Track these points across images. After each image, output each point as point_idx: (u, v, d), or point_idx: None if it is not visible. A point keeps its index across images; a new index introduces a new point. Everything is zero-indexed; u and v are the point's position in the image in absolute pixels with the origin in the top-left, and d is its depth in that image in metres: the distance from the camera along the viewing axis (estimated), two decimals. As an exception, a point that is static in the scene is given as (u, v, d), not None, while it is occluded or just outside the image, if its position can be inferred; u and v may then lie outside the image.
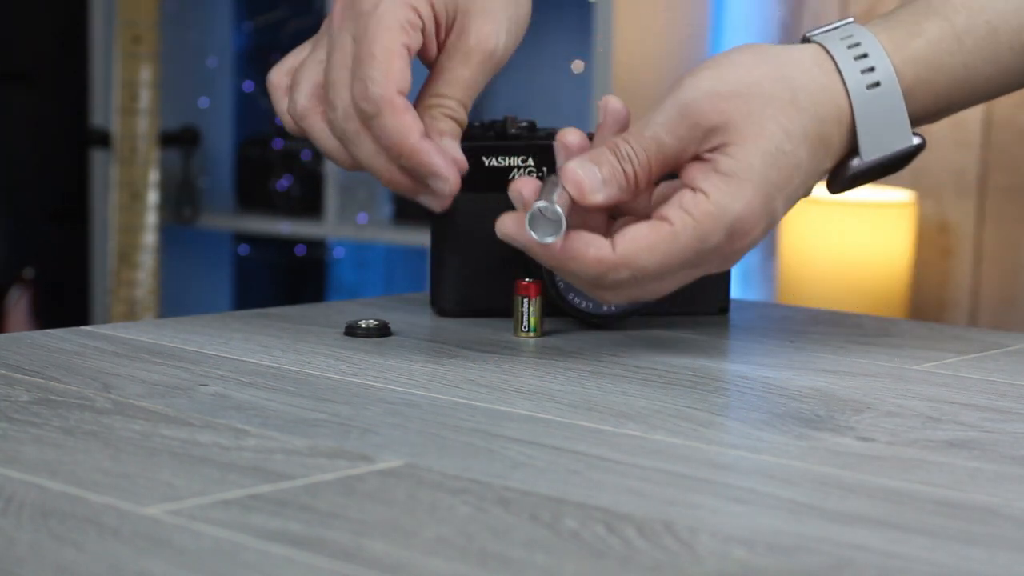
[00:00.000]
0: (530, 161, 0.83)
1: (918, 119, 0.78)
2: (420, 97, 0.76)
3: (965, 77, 0.78)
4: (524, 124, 0.84)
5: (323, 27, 0.77)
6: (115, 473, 0.52)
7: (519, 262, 0.83)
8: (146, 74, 2.55)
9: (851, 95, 0.75)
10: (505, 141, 0.83)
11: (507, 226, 0.72)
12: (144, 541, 0.45)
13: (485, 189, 0.82)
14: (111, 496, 0.49)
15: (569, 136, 0.75)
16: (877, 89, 0.75)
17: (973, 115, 2.32)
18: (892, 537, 0.47)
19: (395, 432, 0.59)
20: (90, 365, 0.69)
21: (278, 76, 0.79)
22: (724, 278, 0.86)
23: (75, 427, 0.57)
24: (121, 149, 2.58)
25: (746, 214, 0.71)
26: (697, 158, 0.72)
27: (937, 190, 2.43)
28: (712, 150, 0.72)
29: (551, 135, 0.84)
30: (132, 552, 0.44)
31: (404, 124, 0.72)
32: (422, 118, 0.74)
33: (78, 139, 2.89)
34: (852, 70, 0.75)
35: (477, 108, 0.83)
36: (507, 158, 0.83)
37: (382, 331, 0.78)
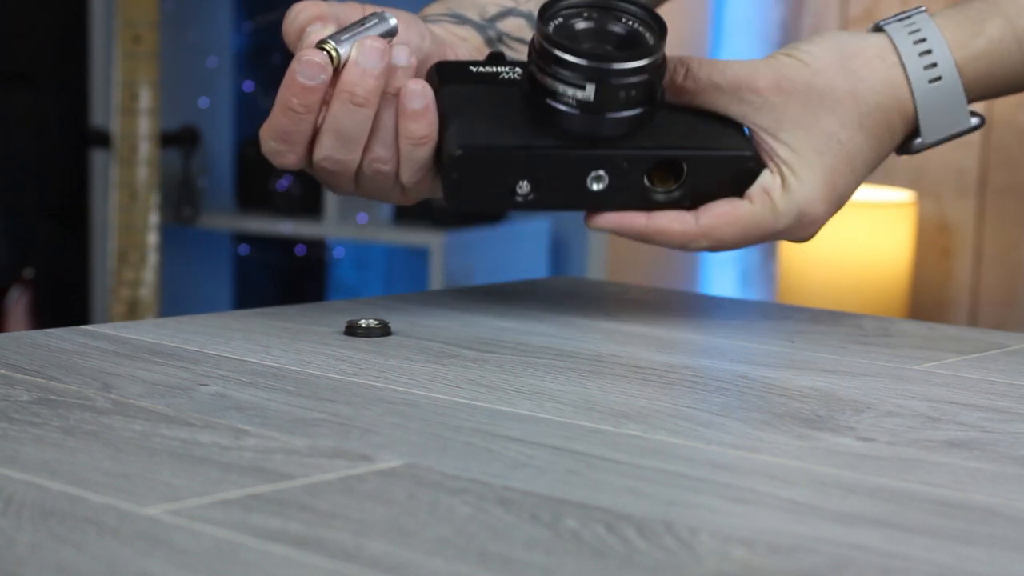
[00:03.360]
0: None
1: (972, 102, 0.85)
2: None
3: (1022, 74, 0.84)
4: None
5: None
6: (115, 473, 0.52)
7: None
8: (146, 74, 2.55)
9: (913, 89, 0.82)
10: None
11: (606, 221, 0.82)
12: (144, 541, 0.45)
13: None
14: (111, 496, 0.49)
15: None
16: (938, 83, 0.82)
17: (973, 115, 2.32)
18: (892, 537, 0.47)
19: (395, 432, 0.59)
20: (90, 365, 0.69)
21: None
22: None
23: (75, 427, 0.57)
24: (121, 149, 2.58)
25: (812, 198, 0.81)
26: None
27: (937, 190, 2.43)
28: (763, 130, 0.81)
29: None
30: (132, 552, 0.44)
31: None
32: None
33: (78, 139, 2.90)
34: (915, 65, 0.82)
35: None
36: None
37: (382, 331, 0.78)
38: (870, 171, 0.83)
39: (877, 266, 2.25)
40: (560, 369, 0.71)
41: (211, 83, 2.97)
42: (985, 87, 0.84)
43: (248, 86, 2.97)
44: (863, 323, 0.87)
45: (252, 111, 2.98)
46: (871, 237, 2.25)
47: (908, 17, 0.83)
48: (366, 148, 0.80)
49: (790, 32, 2.52)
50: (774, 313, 0.94)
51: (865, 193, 2.29)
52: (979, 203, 2.42)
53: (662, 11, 0.87)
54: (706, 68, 0.81)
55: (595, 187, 0.80)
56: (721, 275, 2.62)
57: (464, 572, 0.43)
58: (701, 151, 0.81)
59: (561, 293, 0.95)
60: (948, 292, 2.46)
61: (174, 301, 2.85)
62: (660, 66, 0.79)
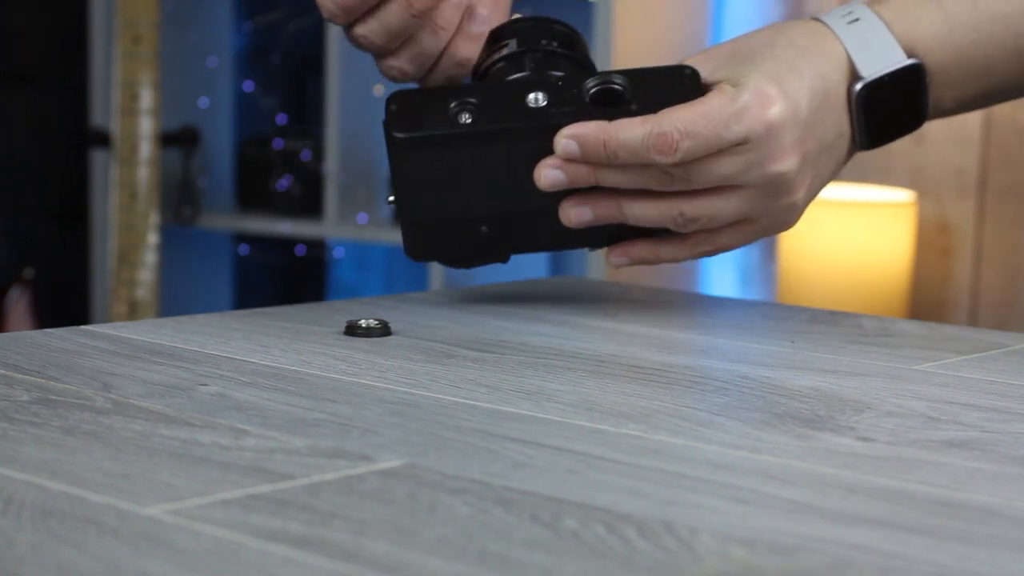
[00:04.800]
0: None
1: (945, 100, 0.88)
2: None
3: (948, 34, 0.86)
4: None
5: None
6: (115, 473, 0.52)
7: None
8: (146, 74, 2.55)
9: (835, 31, 0.85)
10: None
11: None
12: (144, 541, 0.45)
13: None
14: (111, 496, 0.49)
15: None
16: (857, 23, 0.85)
17: (973, 115, 2.32)
18: (892, 537, 0.47)
19: (395, 432, 0.59)
20: (90, 365, 0.69)
21: None
22: None
23: (75, 427, 0.57)
24: (121, 149, 2.58)
25: (763, 81, 0.80)
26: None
27: (937, 190, 2.43)
28: (703, 81, 0.82)
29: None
30: (132, 552, 0.44)
31: None
32: None
33: (78, 139, 2.90)
34: (834, 18, 0.86)
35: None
36: None
37: (382, 331, 0.78)
38: (817, 80, 0.83)
39: (877, 266, 2.25)
40: (560, 369, 0.71)
41: (211, 83, 2.97)
42: (908, 36, 0.85)
43: (248, 86, 2.97)
44: (863, 323, 0.87)
45: (252, 111, 2.98)
46: (871, 237, 2.25)
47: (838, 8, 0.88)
48: (392, 54, 0.86)
49: (790, 32, 2.52)
50: (774, 313, 0.94)
51: (865, 193, 2.29)
52: (979, 203, 2.42)
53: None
54: None
55: (535, 103, 0.80)
56: (721, 275, 2.62)
57: (464, 572, 0.43)
58: (638, 70, 0.82)
59: (561, 293, 0.95)
60: (948, 292, 2.46)
61: (174, 301, 2.85)
62: (573, 37, 0.85)
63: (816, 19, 0.86)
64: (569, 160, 0.80)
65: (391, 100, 0.81)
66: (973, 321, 2.43)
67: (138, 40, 2.54)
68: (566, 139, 0.80)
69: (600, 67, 0.84)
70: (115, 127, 2.59)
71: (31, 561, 0.43)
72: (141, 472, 0.52)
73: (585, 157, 0.80)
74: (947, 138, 2.40)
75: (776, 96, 0.80)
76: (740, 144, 0.79)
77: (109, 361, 0.70)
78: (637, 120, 0.79)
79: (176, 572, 0.42)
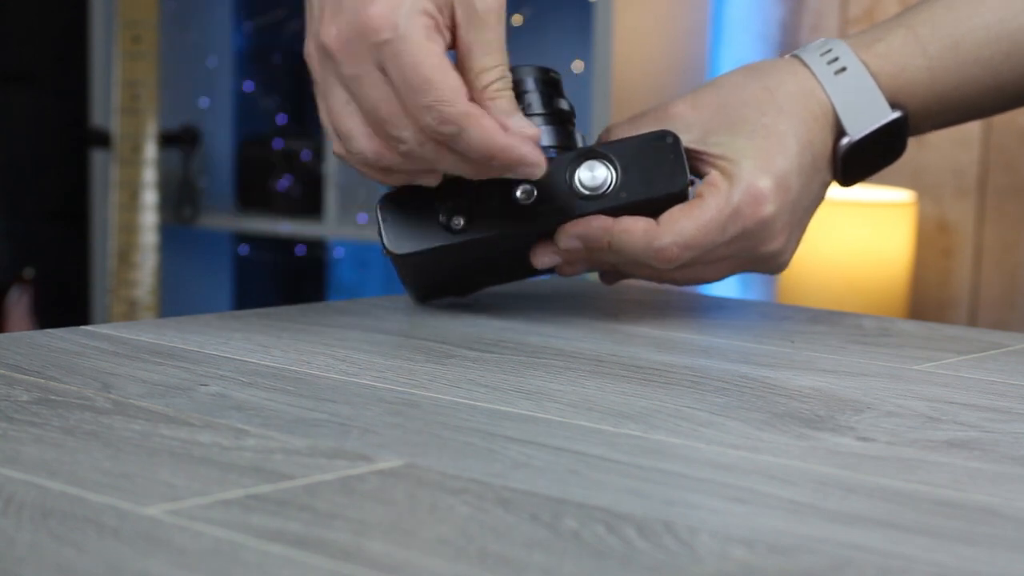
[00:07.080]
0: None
1: (924, 126, 0.90)
2: (465, 79, 0.75)
3: (930, 81, 0.88)
4: None
5: (317, 74, 0.77)
6: (115, 473, 0.52)
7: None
8: (146, 74, 2.55)
9: (821, 81, 0.86)
10: None
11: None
12: (144, 541, 0.45)
13: None
14: (111, 496, 0.49)
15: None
16: (844, 74, 0.86)
17: (973, 115, 2.33)
18: (892, 537, 0.47)
19: (395, 432, 0.59)
20: (90, 365, 0.69)
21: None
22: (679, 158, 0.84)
23: (75, 427, 0.57)
24: (121, 149, 2.58)
25: (754, 171, 0.83)
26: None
27: (937, 190, 2.43)
28: (692, 143, 0.84)
29: None
30: (132, 552, 0.44)
31: (488, 130, 0.74)
32: (481, 103, 0.75)
33: (78, 139, 2.90)
34: (818, 63, 0.86)
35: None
36: None
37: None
38: (805, 151, 0.84)
39: (877, 266, 2.25)
40: (560, 369, 0.71)
41: (211, 83, 2.97)
42: (892, 85, 0.87)
43: (248, 86, 2.97)
44: (863, 323, 0.87)
45: (252, 111, 2.98)
46: (871, 237, 2.25)
47: (817, 43, 0.88)
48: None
49: (790, 32, 2.52)
50: (774, 313, 0.94)
51: (865, 193, 2.29)
52: (979, 203, 2.42)
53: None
54: (625, 122, 0.87)
55: (525, 199, 0.81)
56: (721, 275, 2.62)
57: (464, 572, 0.43)
58: (619, 143, 0.83)
59: (561, 293, 0.95)
60: (948, 292, 2.46)
61: (174, 301, 2.85)
62: (549, 83, 0.83)
63: (802, 62, 0.87)
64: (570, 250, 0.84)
65: (381, 209, 0.82)
66: (973, 321, 2.43)
67: (138, 40, 2.55)
68: (569, 238, 0.82)
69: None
70: (115, 127, 2.59)
71: (31, 561, 0.43)
72: (141, 472, 0.52)
73: (587, 251, 0.83)
74: (947, 138, 2.40)
75: (768, 192, 0.82)
76: (734, 238, 0.83)
77: (109, 361, 0.70)
78: (639, 228, 0.82)
79: (176, 572, 0.42)
